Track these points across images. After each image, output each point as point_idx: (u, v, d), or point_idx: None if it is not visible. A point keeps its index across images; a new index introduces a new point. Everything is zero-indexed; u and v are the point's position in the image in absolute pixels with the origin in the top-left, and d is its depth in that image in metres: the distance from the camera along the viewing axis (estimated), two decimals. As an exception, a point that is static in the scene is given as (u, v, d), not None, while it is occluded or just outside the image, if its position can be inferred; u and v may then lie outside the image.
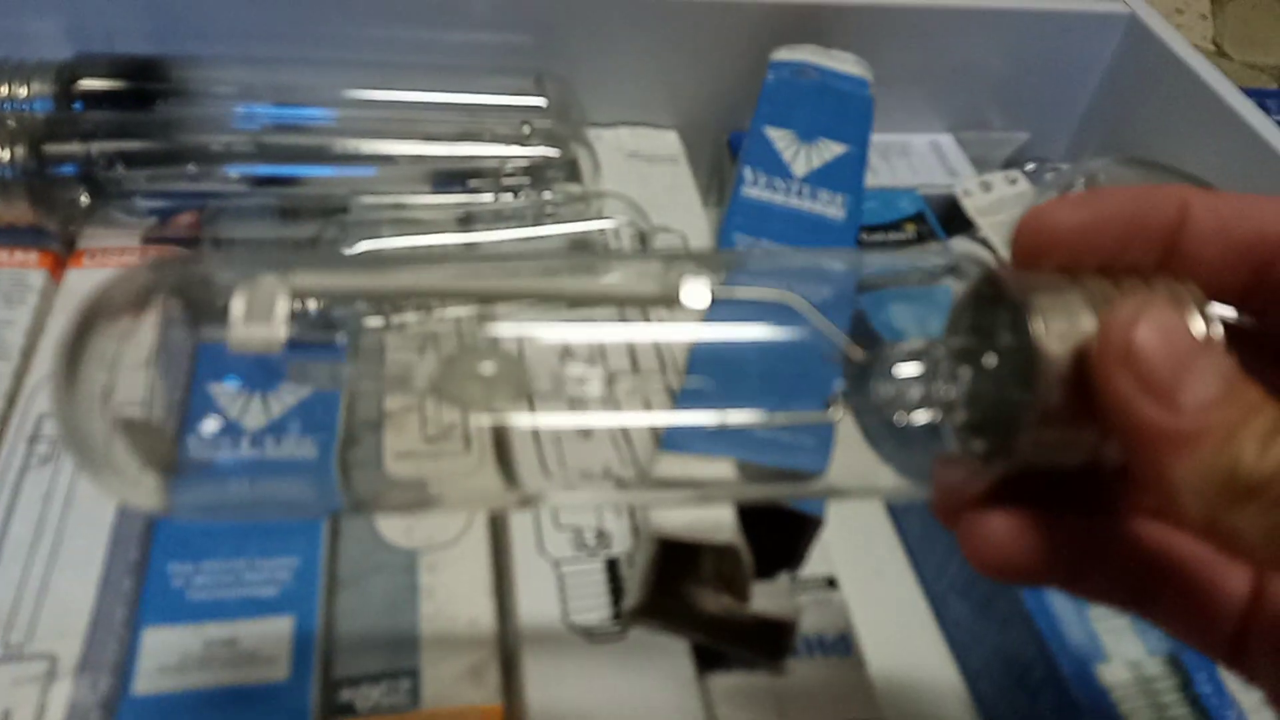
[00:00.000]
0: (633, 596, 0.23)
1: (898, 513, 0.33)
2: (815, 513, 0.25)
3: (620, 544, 0.25)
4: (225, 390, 0.18)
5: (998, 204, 0.39)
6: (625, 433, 0.21)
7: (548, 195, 0.34)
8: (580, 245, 0.32)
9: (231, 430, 0.18)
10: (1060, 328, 0.14)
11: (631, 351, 0.20)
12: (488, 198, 0.34)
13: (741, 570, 0.23)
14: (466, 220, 0.33)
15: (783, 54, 0.37)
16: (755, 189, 0.33)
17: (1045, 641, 0.25)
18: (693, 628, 0.24)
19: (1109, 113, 0.42)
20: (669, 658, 0.24)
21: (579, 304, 0.19)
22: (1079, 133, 0.43)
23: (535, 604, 0.24)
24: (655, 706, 0.23)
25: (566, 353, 0.18)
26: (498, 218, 0.33)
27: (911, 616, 0.31)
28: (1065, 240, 0.16)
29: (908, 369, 0.17)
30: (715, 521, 0.23)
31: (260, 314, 0.16)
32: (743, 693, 0.23)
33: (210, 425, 0.17)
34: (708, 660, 0.24)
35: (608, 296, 0.18)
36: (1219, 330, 0.15)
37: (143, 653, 0.22)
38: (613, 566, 0.25)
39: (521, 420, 0.18)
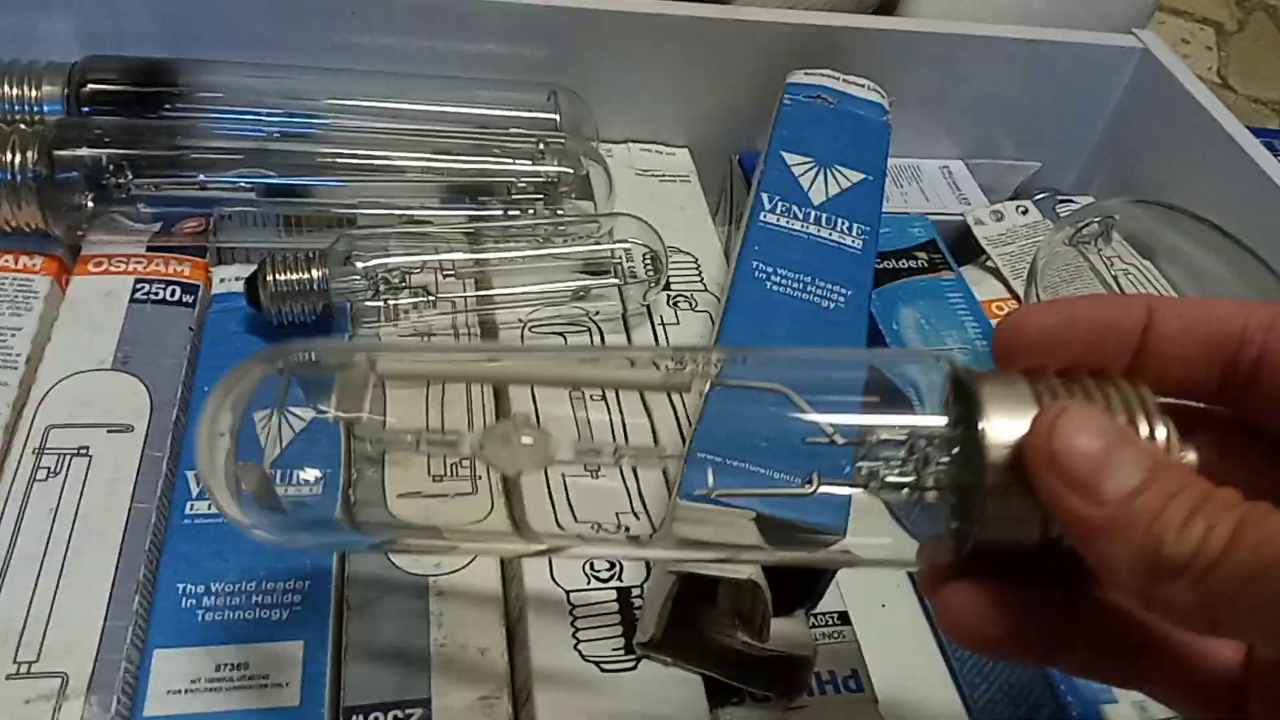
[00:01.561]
0: (649, 629, 0.23)
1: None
2: (838, 530, 0.25)
3: (631, 574, 0.25)
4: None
5: (1009, 234, 0.39)
6: (639, 491, 0.22)
7: (559, 213, 0.34)
8: (591, 265, 0.32)
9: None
10: (1004, 423, 0.16)
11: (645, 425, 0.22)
12: (498, 213, 0.34)
13: (761, 606, 0.23)
14: (475, 236, 0.33)
15: (799, 77, 0.37)
16: (773, 215, 0.33)
17: (1054, 681, 0.25)
18: (708, 662, 0.24)
19: (1120, 144, 0.42)
20: (682, 690, 0.23)
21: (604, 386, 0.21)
22: (1089, 163, 0.44)
23: (546, 633, 0.24)
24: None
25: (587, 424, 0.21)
26: (507, 234, 0.33)
27: (918, 650, 0.30)
28: (1039, 342, 0.17)
29: (885, 451, 0.19)
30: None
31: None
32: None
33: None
34: (720, 694, 0.24)
35: (628, 383, 0.22)
36: (1162, 427, 0.16)
37: (153, 674, 0.22)
38: (624, 596, 0.25)
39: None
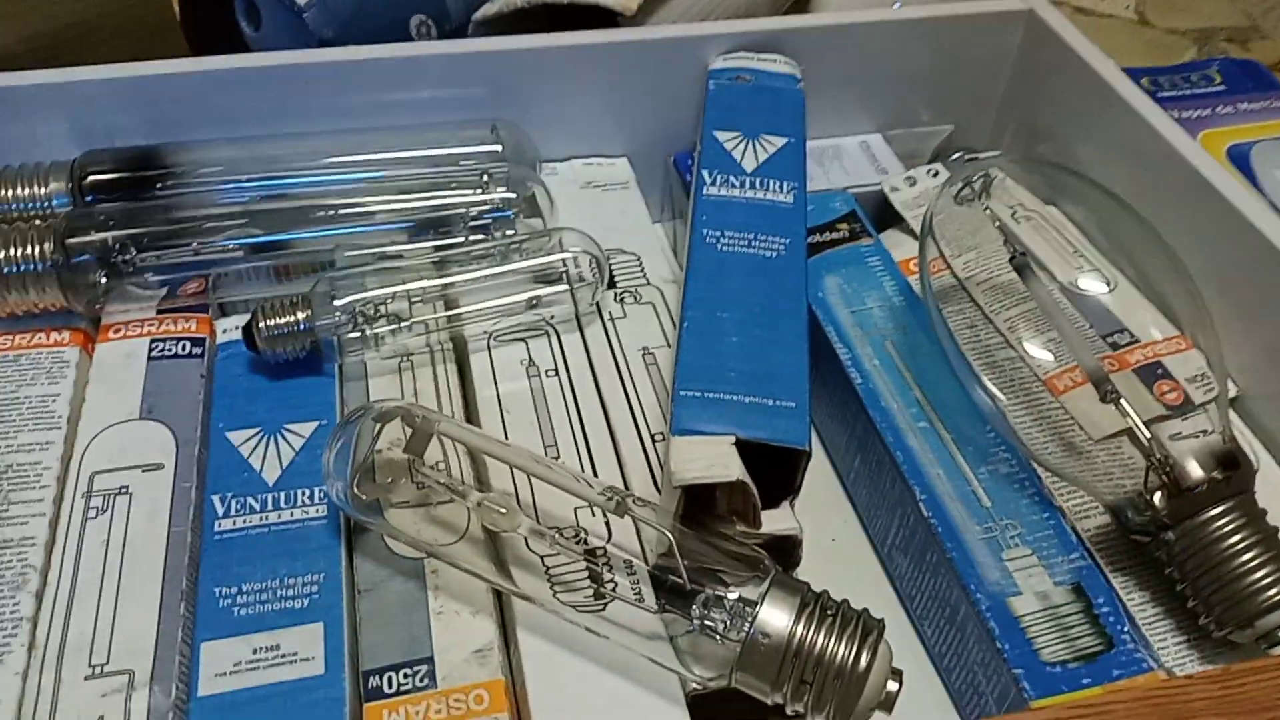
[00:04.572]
0: (666, 537, 0.27)
1: (849, 485, 0.37)
2: (802, 446, 0.29)
3: (595, 538, 0.29)
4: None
5: (922, 196, 0.43)
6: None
7: (511, 233, 0.38)
8: (542, 276, 0.37)
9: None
10: (769, 615, 0.25)
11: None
12: (459, 240, 0.38)
13: (751, 500, 0.28)
14: (442, 263, 0.37)
15: (718, 63, 0.42)
16: (714, 188, 0.37)
17: (965, 582, 0.29)
18: (716, 558, 0.27)
19: (1021, 103, 0.46)
20: (646, 622, 0.28)
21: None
22: (998, 122, 0.47)
23: (529, 592, 0.28)
24: (633, 662, 0.27)
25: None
26: (470, 258, 0.37)
27: (866, 574, 0.35)
28: None
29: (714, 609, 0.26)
30: (725, 464, 0.28)
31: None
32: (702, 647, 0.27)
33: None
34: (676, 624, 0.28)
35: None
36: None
37: (202, 662, 0.26)
38: (590, 555, 0.29)
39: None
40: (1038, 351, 0.34)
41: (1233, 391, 0.36)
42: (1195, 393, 0.33)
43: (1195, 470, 0.28)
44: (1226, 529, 0.28)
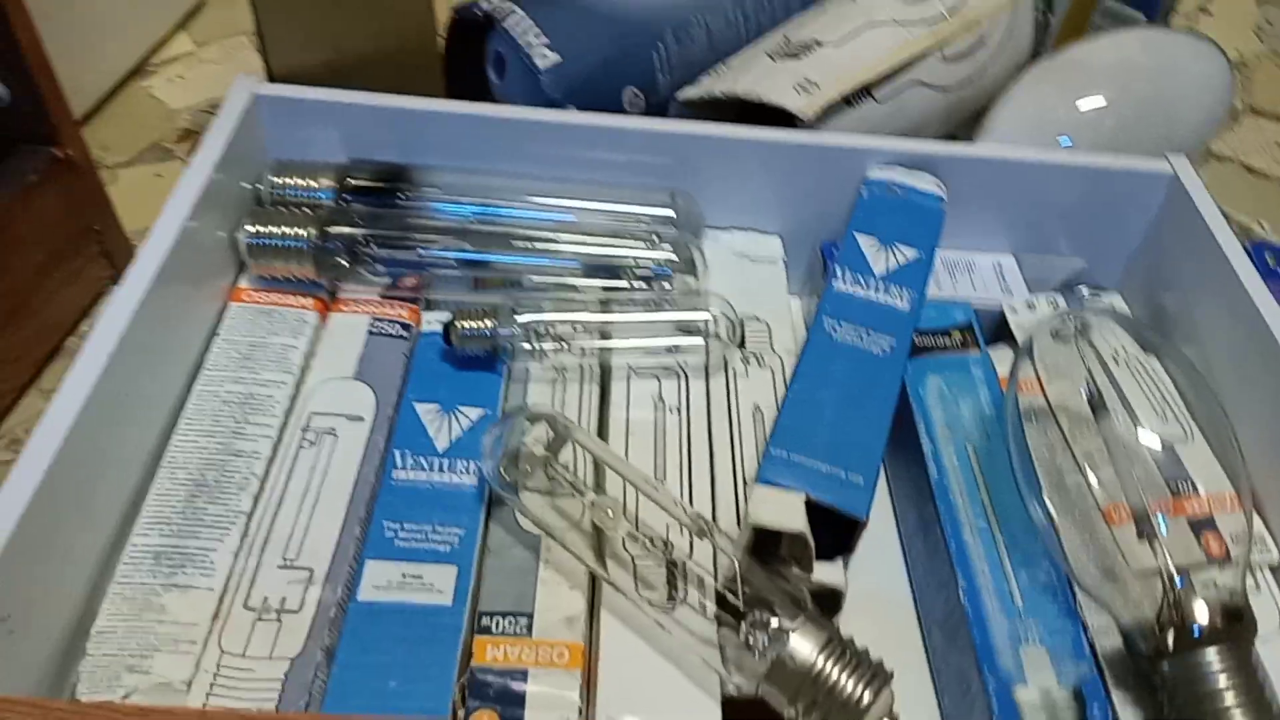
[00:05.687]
0: (733, 565, 0.34)
1: (909, 560, 0.42)
2: (860, 516, 0.35)
3: (678, 552, 0.36)
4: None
5: (1036, 323, 0.47)
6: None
7: (667, 287, 0.45)
8: (685, 327, 0.43)
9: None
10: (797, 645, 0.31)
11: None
12: (624, 284, 0.46)
13: (807, 551, 0.34)
14: (606, 301, 0.44)
15: (874, 172, 0.48)
16: (843, 284, 0.43)
17: (981, 662, 0.34)
18: (770, 590, 0.34)
19: (1152, 253, 0.49)
20: (701, 628, 0.34)
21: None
22: (1129, 266, 0.51)
23: (617, 582, 0.35)
24: (687, 658, 0.33)
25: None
26: (629, 301, 0.45)
27: (907, 639, 0.40)
28: None
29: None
30: (792, 516, 0.34)
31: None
32: (743, 658, 0.33)
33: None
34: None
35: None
36: None
37: (365, 575, 0.35)
38: (671, 564, 0.36)
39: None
40: (1100, 482, 0.39)
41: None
42: (1235, 549, 0.37)
43: (1202, 614, 0.32)
44: (1216, 672, 0.31)
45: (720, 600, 0.34)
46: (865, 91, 0.51)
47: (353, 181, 0.46)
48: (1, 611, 0.29)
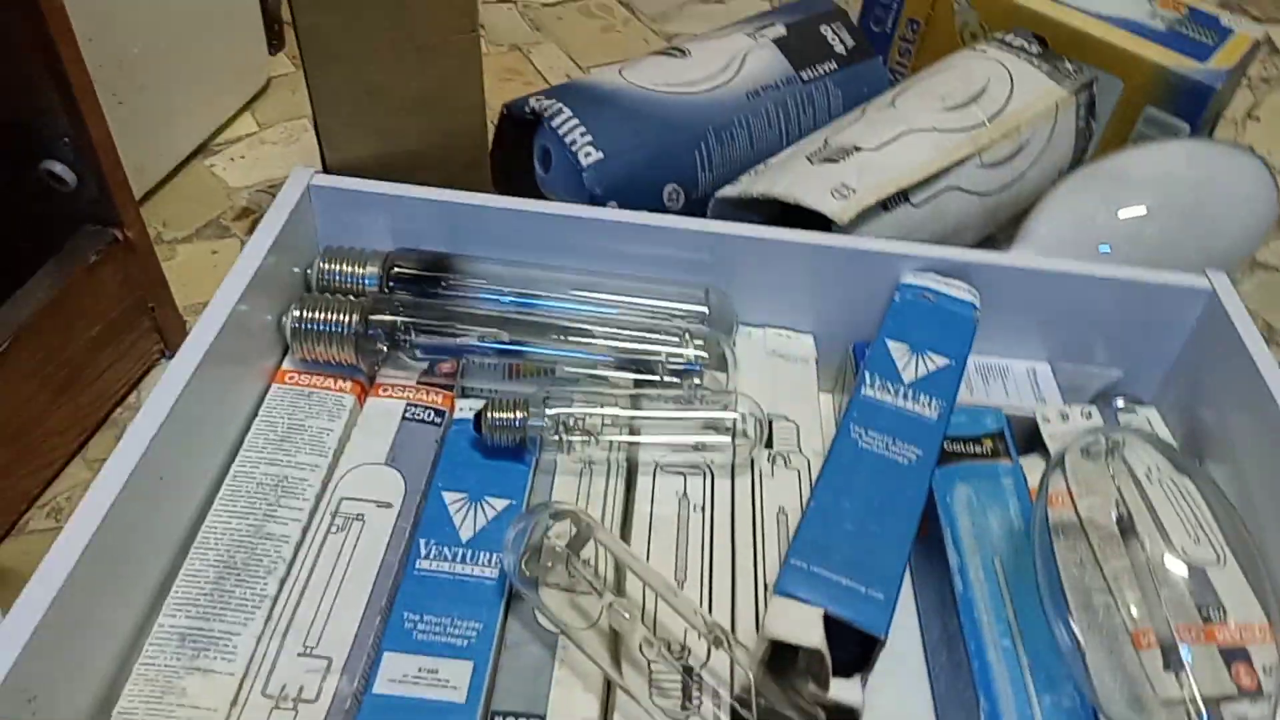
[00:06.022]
0: (749, 677, 0.34)
1: (932, 672, 0.41)
2: (878, 634, 0.34)
3: (694, 659, 0.36)
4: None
5: (1071, 433, 0.47)
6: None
7: (697, 384, 0.46)
8: (712, 425, 0.44)
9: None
10: None
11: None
12: (654, 379, 0.46)
13: (824, 667, 0.33)
14: (636, 395, 0.45)
15: (909, 278, 0.48)
16: (872, 390, 0.44)
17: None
18: (783, 704, 0.33)
19: (1190, 367, 0.49)
20: (712, 742, 0.34)
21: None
22: (1166, 378, 0.50)
23: (631, 687, 0.35)
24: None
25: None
26: (659, 397, 0.45)
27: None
28: None
29: None
30: (809, 631, 0.34)
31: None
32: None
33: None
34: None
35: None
36: None
37: (382, 667, 0.35)
38: (687, 671, 0.35)
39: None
40: (1129, 605, 0.38)
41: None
42: (1267, 683, 0.36)
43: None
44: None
45: (734, 713, 0.34)
46: (902, 196, 0.52)
47: (396, 269, 0.48)
48: (29, 691, 0.30)
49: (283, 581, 0.37)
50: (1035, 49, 0.61)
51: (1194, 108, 0.61)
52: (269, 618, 0.36)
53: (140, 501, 0.35)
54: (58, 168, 0.44)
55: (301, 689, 0.34)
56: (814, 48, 0.60)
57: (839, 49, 0.61)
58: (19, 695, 0.30)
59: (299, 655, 0.35)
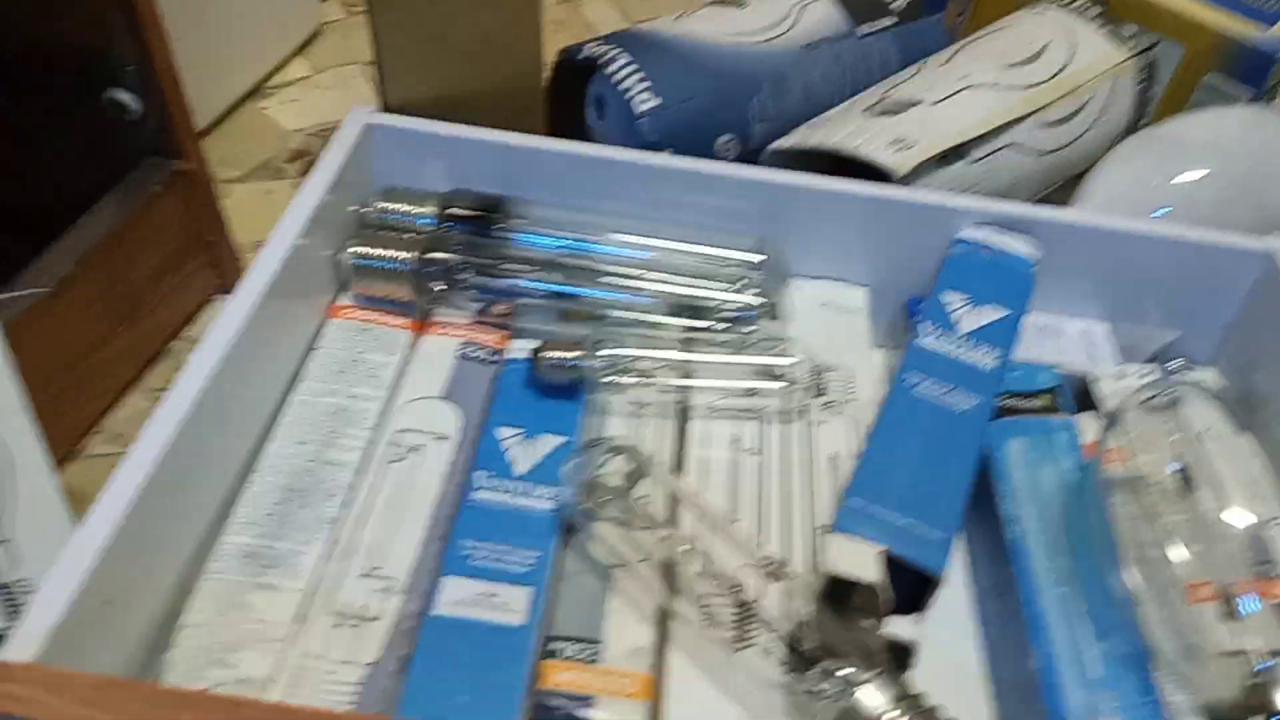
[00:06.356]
0: (806, 612, 0.34)
1: (984, 622, 0.41)
2: (936, 572, 0.35)
3: (750, 592, 0.36)
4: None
5: (1126, 392, 0.46)
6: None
7: (751, 330, 0.46)
8: (765, 371, 0.44)
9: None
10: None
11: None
12: (707, 325, 0.46)
13: (878, 603, 0.34)
14: (689, 340, 0.45)
15: (967, 232, 0.48)
16: (928, 339, 0.44)
17: (1051, 732, 0.33)
18: (841, 638, 0.34)
19: (1246, 329, 0.48)
20: (767, 670, 0.34)
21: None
22: (1223, 340, 0.50)
23: (686, 618, 0.35)
24: (751, 697, 0.33)
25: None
26: (712, 342, 0.45)
27: (975, 703, 0.39)
28: None
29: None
30: (867, 567, 0.34)
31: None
32: (810, 705, 0.33)
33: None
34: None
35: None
36: None
37: (442, 591, 0.35)
38: (741, 605, 0.36)
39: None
40: (1183, 559, 0.38)
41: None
42: (1324, 639, 0.36)
43: (1277, 700, 0.31)
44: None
45: (790, 645, 0.34)
46: (958, 152, 0.52)
47: (452, 210, 0.48)
48: (104, 595, 0.31)
49: (344, 504, 0.38)
50: (1095, 12, 0.60)
51: (1257, 75, 0.60)
52: (332, 540, 0.37)
53: (203, 425, 0.36)
54: (124, 96, 0.45)
55: (365, 607, 0.35)
56: (873, 3, 0.59)
57: (897, 5, 0.60)
58: (95, 598, 0.30)
59: (362, 575, 0.36)
